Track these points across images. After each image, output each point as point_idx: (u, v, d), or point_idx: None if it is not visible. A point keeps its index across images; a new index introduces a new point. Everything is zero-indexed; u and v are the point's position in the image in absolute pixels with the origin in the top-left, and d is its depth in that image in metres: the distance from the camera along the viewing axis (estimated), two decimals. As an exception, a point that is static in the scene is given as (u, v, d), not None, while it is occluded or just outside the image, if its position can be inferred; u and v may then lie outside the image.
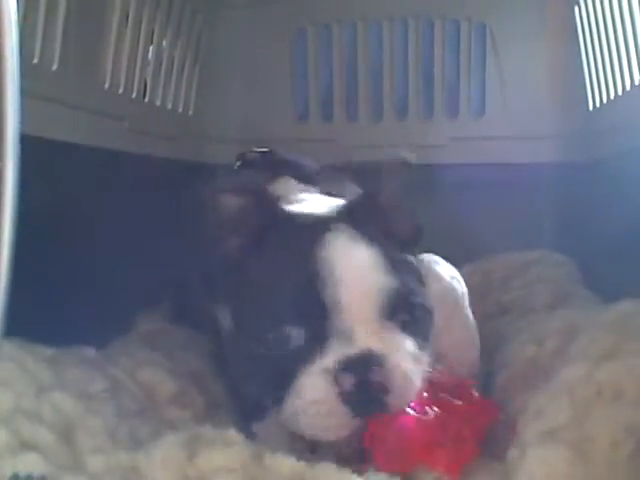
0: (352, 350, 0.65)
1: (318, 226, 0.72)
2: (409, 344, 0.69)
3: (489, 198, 1.26)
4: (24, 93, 0.64)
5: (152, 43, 1.16)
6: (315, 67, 1.39)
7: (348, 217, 0.74)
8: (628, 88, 1.02)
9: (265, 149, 1.03)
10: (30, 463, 0.52)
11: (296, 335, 0.67)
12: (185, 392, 0.79)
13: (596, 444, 0.52)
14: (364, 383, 0.64)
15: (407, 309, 0.69)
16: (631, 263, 0.96)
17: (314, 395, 0.65)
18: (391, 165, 0.78)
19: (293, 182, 0.91)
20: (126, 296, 0.99)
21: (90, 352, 0.75)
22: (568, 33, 1.27)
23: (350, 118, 1.40)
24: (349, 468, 0.60)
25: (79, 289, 0.88)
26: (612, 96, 1.09)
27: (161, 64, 1.20)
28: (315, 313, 0.66)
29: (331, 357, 0.65)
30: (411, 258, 0.76)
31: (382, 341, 0.67)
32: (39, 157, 0.81)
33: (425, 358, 0.70)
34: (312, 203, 0.80)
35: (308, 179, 0.92)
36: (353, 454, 0.67)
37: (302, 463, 0.59)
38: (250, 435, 0.77)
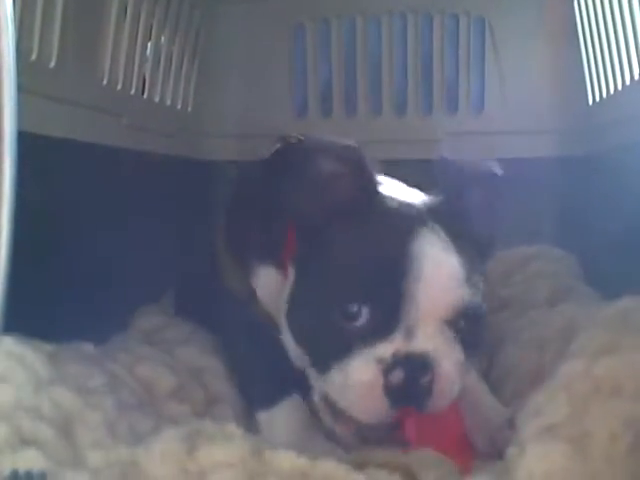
0: (411, 348, 0.66)
1: (414, 218, 0.72)
2: (459, 352, 0.69)
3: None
4: (22, 90, 0.64)
5: (150, 39, 1.16)
6: (314, 62, 1.39)
7: (439, 214, 0.73)
8: (628, 82, 1.02)
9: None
10: (30, 459, 0.52)
11: (364, 315, 0.67)
12: (184, 387, 0.79)
13: (595, 439, 0.52)
14: (412, 382, 0.66)
15: (468, 319, 0.69)
16: (631, 258, 0.96)
17: (361, 377, 0.67)
18: (481, 171, 0.78)
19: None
20: (126, 292, 0.99)
21: (89, 348, 0.75)
22: (567, 27, 1.26)
23: (349, 113, 1.39)
24: (349, 465, 0.60)
25: (78, 285, 0.88)
26: (612, 91, 1.09)
27: (159, 60, 1.20)
28: (390, 300, 0.67)
29: (390, 348, 0.66)
30: (482, 267, 0.75)
31: (438, 345, 0.67)
32: (37, 154, 0.81)
33: (468, 368, 0.72)
34: (396, 190, 0.78)
35: None
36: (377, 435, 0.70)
37: (303, 459, 0.59)
38: (254, 423, 0.79)
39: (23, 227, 0.78)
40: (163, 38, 1.21)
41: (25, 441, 0.54)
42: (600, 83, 1.14)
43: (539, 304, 1.03)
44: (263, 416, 0.79)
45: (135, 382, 0.74)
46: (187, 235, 1.12)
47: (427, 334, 0.67)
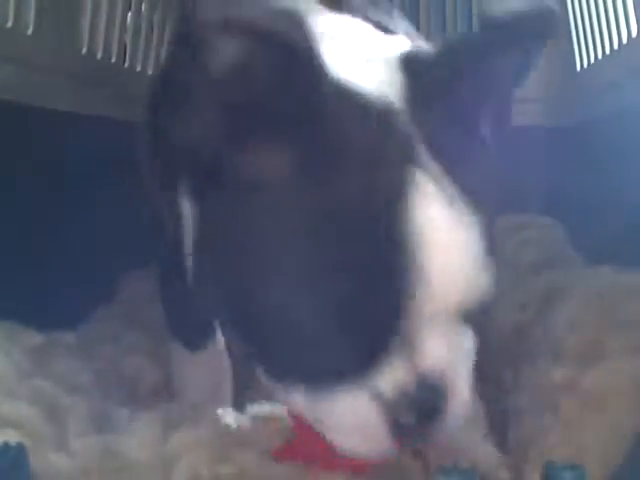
0: (417, 370, 0.45)
1: (398, 151, 0.44)
2: (467, 343, 0.48)
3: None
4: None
5: (130, 8, 1.14)
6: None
7: (425, 102, 0.45)
8: (616, 47, 1.01)
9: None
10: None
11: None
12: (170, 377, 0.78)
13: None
14: (426, 419, 0.46)
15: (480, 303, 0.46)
16: (618, 225, 0.95)
17: (358, 421, 0.46)
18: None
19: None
20: (108, 261, 0.98)
21: (72, 339, 0.74)
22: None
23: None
24: None
25: (58, 255, 0.87)
26: (600, 55, 1.08)
27: (140, 29, 1.18)
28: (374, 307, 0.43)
29: (389, 378, 0.45)
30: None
31: (444, 347, 0.45)
32: (16, 123, 0.79)
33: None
34: (363, 59, 0.49)
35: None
36: None
37: None
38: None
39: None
40: (144, 6, 1.19)
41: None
42: (588, 48, 1.13)
43: (524, 271, 1.02)
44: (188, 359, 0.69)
45: (120, 377, 0.74)
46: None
47: (434, 337, 0.44)
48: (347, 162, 0.44)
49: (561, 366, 0.59)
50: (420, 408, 0.45)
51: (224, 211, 0.47)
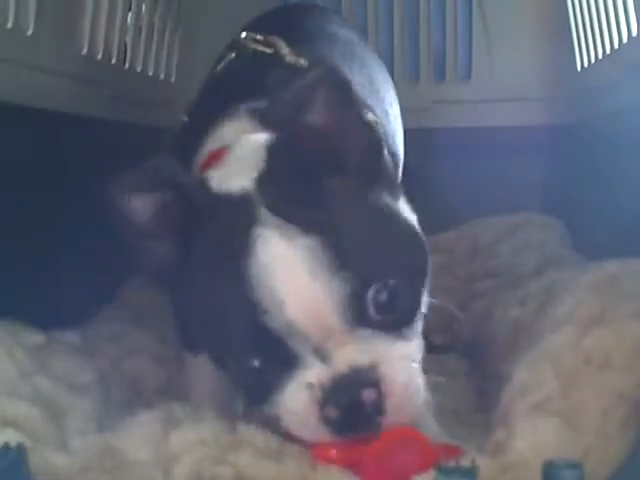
0: (335, 370, 0.54)
1: (240, 217, 0.57)
2: (399, 346, 0.56)
3: (476, 162, 1.25)
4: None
5: (131, 8, 1.14)
6: (299, 29, 1.36)
7: (273, 181, 0.57)
8: (616, 46, 1.01)
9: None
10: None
11: (260, 364, 0.56)
12: (171, 379, 0.79)
13: (586, 413, 0.51)
14: (354, 406, 0.54)
15: (377, 303, 0.55)
16: (619, 225, 0.95)
17: (295, 407, 0.56)
18: (314, 78, 0.56)
19: (247, 122, 0.70)
20: (111, 262, 0.98)
21: (74, 338, 0.74)
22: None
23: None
24: None
25: (61, 256, 0.87)
26: (600, 56, 1.08)
27: (141, 29, 1.18)
28: (269, 341, 0.54)
29: (313, 374, 0.55)
30: (379, 202, 0.59)
31: (365, 352, 0.55)
32: (17, 124, 0.79)
33: (418, 352, 0.58)
34: (233, 167, 0.63)
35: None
36: None
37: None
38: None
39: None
40: (144, 7, 1.19)
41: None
42: (588, 48, 1.13)
43: (527, 274, 1.02)
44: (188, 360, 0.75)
45: (122, 377, 0.75)
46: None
47: (340, 345, 0.54)
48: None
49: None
50: (339, 402, 0.54)
51: None
